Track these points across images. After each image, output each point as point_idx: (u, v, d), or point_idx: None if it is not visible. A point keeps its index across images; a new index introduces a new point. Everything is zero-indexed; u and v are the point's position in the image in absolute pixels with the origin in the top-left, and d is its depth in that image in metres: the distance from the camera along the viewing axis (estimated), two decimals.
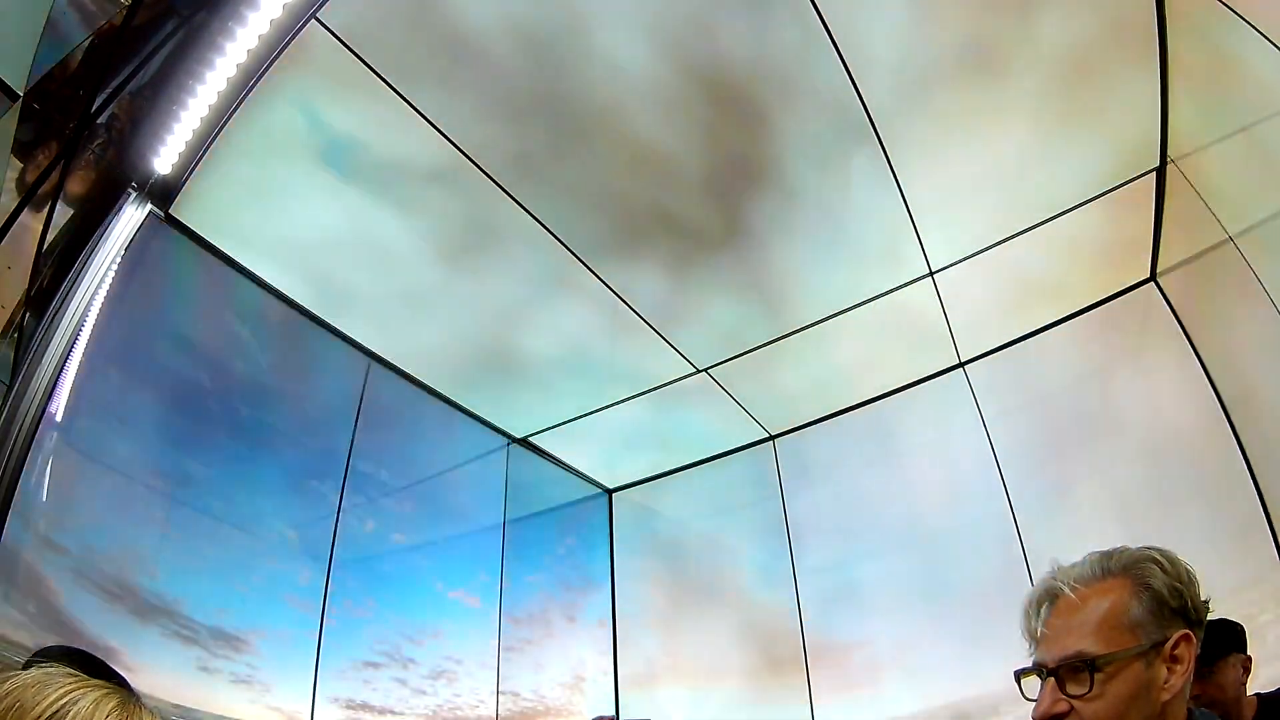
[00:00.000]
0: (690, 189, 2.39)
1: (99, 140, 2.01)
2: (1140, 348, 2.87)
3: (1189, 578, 0.77)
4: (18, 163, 1.72)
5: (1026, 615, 0.82)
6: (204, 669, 2.24)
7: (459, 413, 3.35)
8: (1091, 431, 2.88)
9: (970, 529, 3.06)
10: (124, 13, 1.70)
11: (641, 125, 2.18)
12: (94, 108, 1.86)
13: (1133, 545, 0.81)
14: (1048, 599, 0.80)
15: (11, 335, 1.94)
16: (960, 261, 2.72)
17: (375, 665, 2.81)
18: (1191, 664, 0.74)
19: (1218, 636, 1.56)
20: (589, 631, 3.77)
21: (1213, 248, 2.26)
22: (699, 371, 3.21)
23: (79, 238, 2.12)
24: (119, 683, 0.61)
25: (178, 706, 2.13)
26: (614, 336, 2.97)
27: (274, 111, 2.08)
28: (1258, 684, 1.69)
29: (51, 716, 0.52)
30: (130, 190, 2.14)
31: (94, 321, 2.09)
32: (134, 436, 2.33)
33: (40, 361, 1.87)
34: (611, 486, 4.09)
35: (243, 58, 1.92)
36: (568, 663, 3.66)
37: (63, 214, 2.03)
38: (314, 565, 2.70)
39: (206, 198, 2.29)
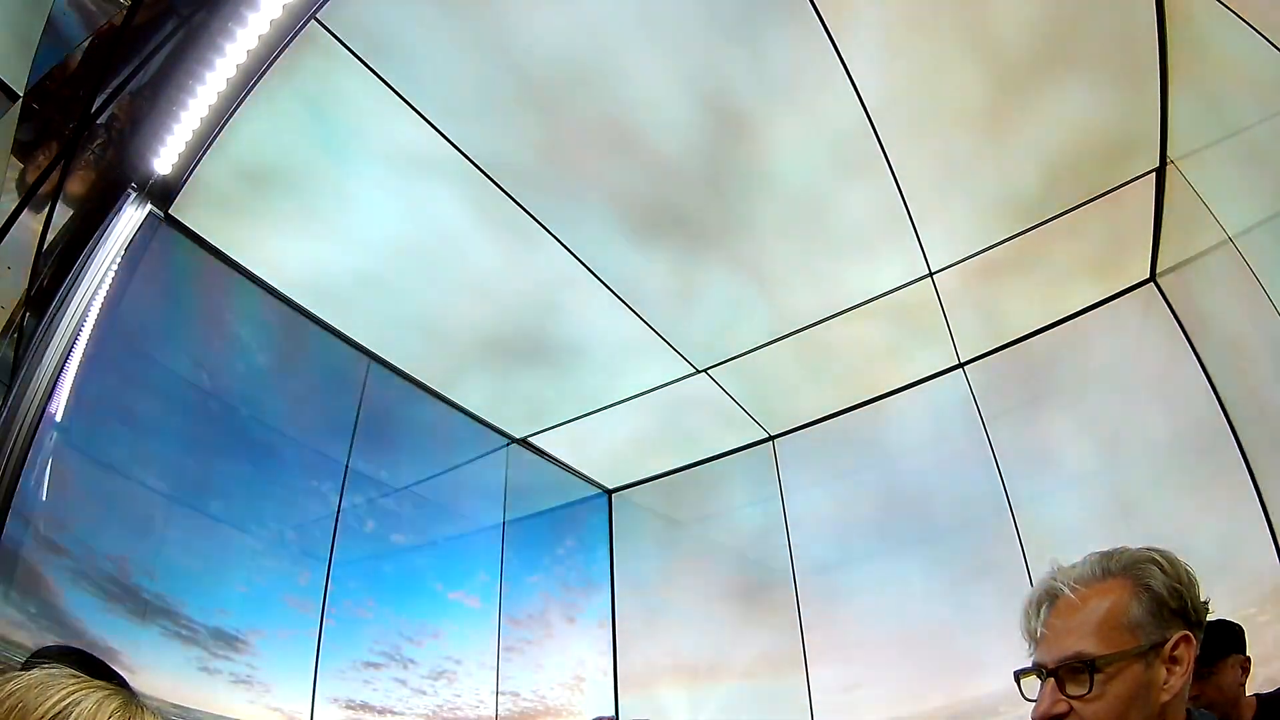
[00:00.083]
0: (692, 190, 2.39)
1: (99, 140, 2.01)
2: (1140, 348, 2.87)
3: (1189, 578, 0.77)
4: (18, 163, 1.72)
5: (1026, 616, 0.82)
6: (204, 669, 2.24)
7: (459, 413, 3.35)
8: (1091, 432, 2.88)
9: (970, 529, 3.07)
10: (124, 13, 1.70)
11: (644, 127, 2.18)
12: (94, 108, 1.85)
13: (1132, 546, 0.81)
14: (1047, 599, 0.80)
15: (11, 335, 1.94)
16: (960, 261, 2.73)
17: (375, 665, 2.81)
18: (1191, 665, 0.74)
19: (1217, 637, 1.56)
20: (589, 632, 3.77)
21: (1213, 248, 2.26)
22: (699, 372, 3.21)
23: (79, 238, 2.12)
24: (119, 683, 0.62)
25: (178, 707, 2.13)
26: (614, 336, 2.97)
27: (274, 111, 2.08)
28: (1256, 684, 1.69)
29: (54, 717, 0.52)
30: (130, 190, 2.14)
31: (94, 321, 2.09)
32: (133, 436, 2.34)
33: (40, 361, 1.87)
34: (611, 487, 4.09)
35: (243, 58, 1.92)
36: (568, 663, 3.66)
37: (63, 214, 2.03)
38: (314, 565, 2.71)
39: (206, 198, 2.29)
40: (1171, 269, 2.72)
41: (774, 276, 2.75)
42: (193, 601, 2.29)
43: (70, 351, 1.95)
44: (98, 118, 1.90)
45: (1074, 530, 2.76)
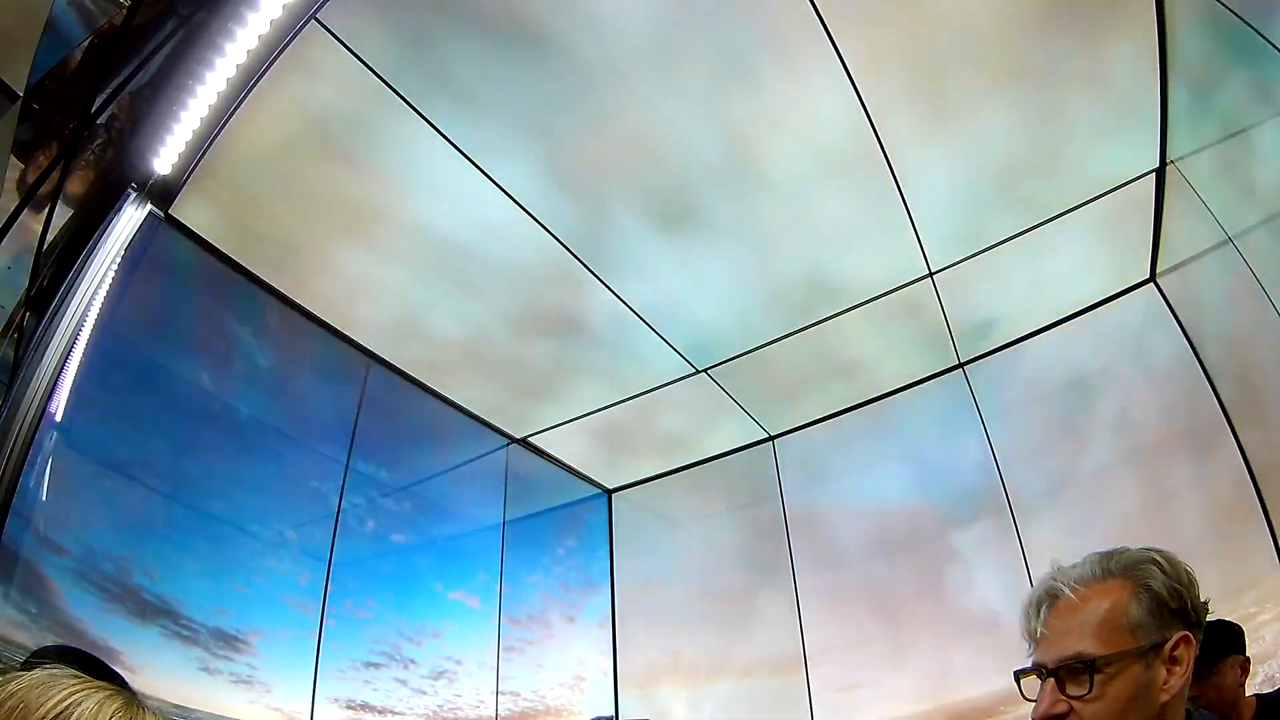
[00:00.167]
0: (694, 192, 2.39)
1: (99, 140, 2.01)
2: (1140, 348, 2.87)
3: (1188, 579, 0.77)
4: (18, 163, 1.72)
5: (1026, 616, 0.82)
6: (204, 669, 2.25)
7: (459, 413, 3.35)
8: (1091, 432, 2.88)
9: (969, 529, 3.07)
10: (124, 13, 1.70)
11: (644, 122, 2.18)
12: (94, 108, 1.85)
13: (1133, 546, 0.81)
14: (1048, 599, 0.80)
15: (11, 335, 1.94)
16: (960, 261, 2.73)
17: (375, 665, 2.81)
18: (1191, 665, 0.74)
19: (1217, 638, 1.56)
20: (589, 631, 3.77)
21: (1213, 248, 2.26)
22: (699, 371, 3.21)
23: (79, 238, 2.12)
24: (120, 683, 0.62)
25: (178, 707, 2.14)
26: (614, 336, 2.97)
27: (274, 111, 2.08)
28: (1256, 683, 1.69)
29: (55, 718, 0.52)
30: (130, 190, 2.14)
31: (94, 321, 2.09)
32: (133, 436, 2.34)
33: (40, 361, 1.87)
34: (611, 486, 4.09)
35: (243, 58, 1.92)
36: (568, 663, 3.66)
37: (63, 214, 2.03)
38: (314, 565, 2.71)
39: (206, 198, 2.29)
40: (1171, 269, 2.72)
41: (774, 276, 2.75)
42: (193, 601, 2.29)
43: (70, 351, 1.95)
44: (98, 118, 1.90)
45: (1073, 530, 2.76)
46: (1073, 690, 0.74)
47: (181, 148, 2.11)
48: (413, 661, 2.96)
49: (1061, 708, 0.74)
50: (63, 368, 1.92)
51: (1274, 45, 1.51)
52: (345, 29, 1.92)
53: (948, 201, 2.49)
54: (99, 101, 1.85)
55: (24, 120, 1.59)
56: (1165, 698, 0.73)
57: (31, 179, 1.78)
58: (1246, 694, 1.61)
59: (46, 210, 1.90)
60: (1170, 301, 2.75)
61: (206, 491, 2.50)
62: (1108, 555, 0.80)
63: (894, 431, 3.42)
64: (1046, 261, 2.77)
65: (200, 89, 1.96)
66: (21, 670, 0.56)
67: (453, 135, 2.19)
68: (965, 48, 2.03)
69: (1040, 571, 0.85)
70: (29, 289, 1.95)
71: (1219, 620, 1.64)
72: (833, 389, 3.43)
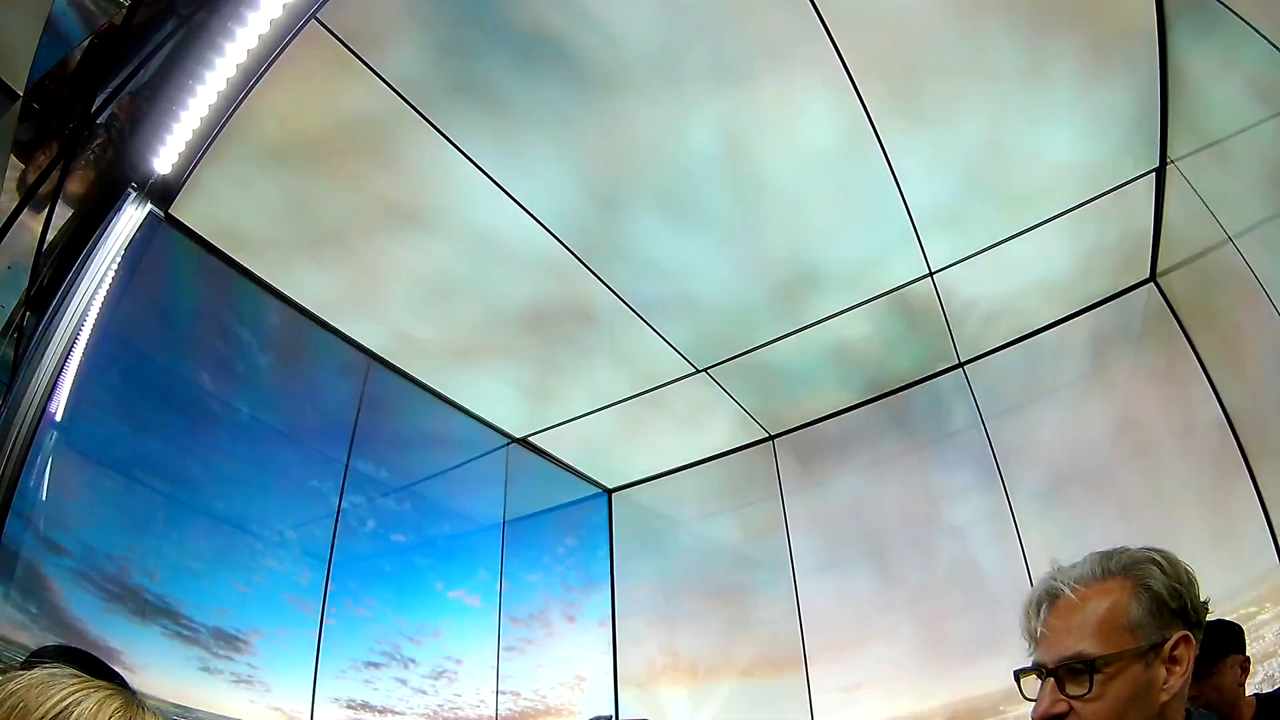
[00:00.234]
0: (695, 191, 2.39)
1: (99, 140, 2.01)
2: (1140, 348, 2.87)
3: (1188, 579, 0.77)
4: (18, 163, 1.72)
5: (1026, 615, 0.82)
6: (205, 669, 2.25)
7: (459, 413, 3.35)
8: (1091, 431, 2.88)
9: (969, 528, 3.07)
10: (124, 13, 1.70)
11: (645, 125, 2.18)
12: (94, 108, 1.85)
13: (1132, 546, 0.81)
14: (1047, 599, 0.80)
15: (11, 335, 1.94)
16: (960, 261, 2.73)
17: (375, 665, 2.81)
18: (1190, 665, 0.74)
19: (1216, 637, 1.56)
20: (589, 631, 3.77)
21: (1213, 248, 2.26)
22: (699, 371, 3.21)
23: (79, 237, 2.12)
24: (119, 683, 0.62)
25: (179, 707, 2.14)
26: (614, 336, 2.97)
27: (274, 111, 2.08)
28: (1256, 682, 1.69)
29: (55, 717, 0.52)
30: (130, 190, 2.14)
31: (94, 321, 2.09)
32: (134, 436, 2.34)
33: (40, 361, 1.87)
34: (611, 486, 4.09)
35: (243, 58, 1.92)
36: (568, 663, 3.66)
37: (63, 214, 2.03)
38: (314, 565, 2.71)
39: (206, 198, 2.29)
40: (1171, 269, 2.72)
41: (774, 276, 2.75)
42: (193, 601, 2.29)
43: (70, 351, 1.95)
44: (98, 117, 1.90)
45: (1073, 529, 2.76)
46: (1072, 690, 0.74)
47: (181, 148, 2.11)
48: (413, 661, 2.96)
49: (1061, 707, 0.74)
50: (63, 367, 1.92)
51: (1274, 45, 1.51)
52: (346, 28, 1.92)
53: (948, 201, 2.49)
54: (99, 101, 1.85)
55: (24, 120, 1.59)
56: (1165, 697, 0.73)
57: (31, 179, 1.78)
58: (1246, 693, 1.61)
59: (46, 210, 1.90)
60: (1170, 301, 2.75)
61: (206, 491, 2.50)
62: (1108, 555, 0.80)
63: (894, 431, 3.42)
64: (1046, 261, 2.77)
65: (200, 89, 1.96)
66: (21, 670, 0.56)
67: (453, 135, 2.19)
68: (965, 48, 2.02)
69: (1040, 569, 0.85)
70: (29, 289, 1.95)
71: (1219, 620, 1.64)
72: (833, 388, 3.43)
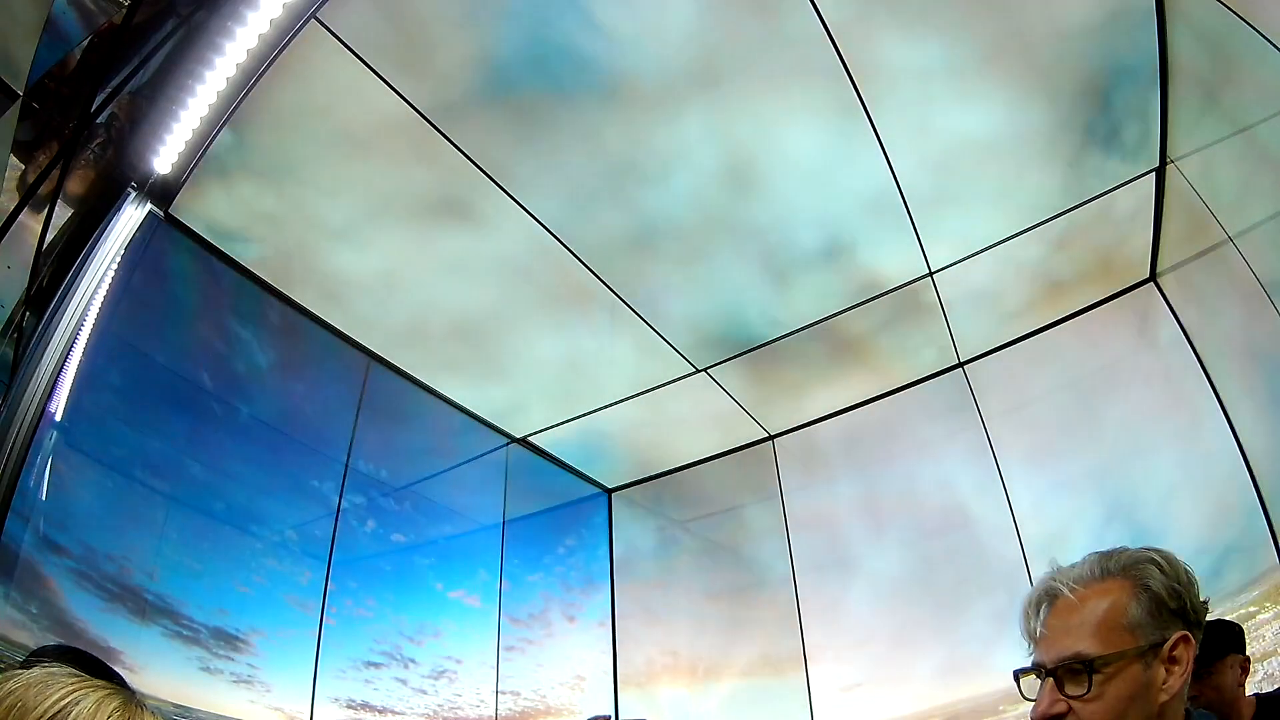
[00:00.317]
0: (694, 194, 2.39)
1: (99, 139, 2.01)
2: (1140, 348, 2.87)
3: (1188, 579, 0.77)
4: (18, 163, 1.72)
5: (1026, 615, 0.81)
6: (205, 669, 2.25)
7: (459, 413, 3.35)
8: (1091, 431, 2.88)
9: (970, 528, 3.07)
10: (124, 12, 1.70)
11: (647, 128, 2.18)
12: (94, 107, 1.85)
13: (1132, 546, 0.81)
14: (1047, 599, 0.80)
15: (11, 335, 1.94)
16: (960, 261, 2.72)
17: (375, 665, 2.81)
18: (1190, 665, 0.74)
19: (1216, 637, 1.56)
20: (589, 631, 3.77)
21: (1213, 248, 2.26)
22: (699, 371, 3.21)
23: (79, 237, 2.12)
24: (118, 683, 0.62)
25: (179, 706, 2.14)
26: (614, 336, 2.97)
27: (274, 111, 2.08)
28: (1256, 681, 1.69)
29: (54, 716, 0.52)
30: (130, 190, 2.14)
31: (93, 321, 2.09)
32: (134, 436, 2.34)
33: (40, 361, 1.87)
34: (611, 486, 4.09)
35: (243, 58, 1.92)
36: (568, 662, 3.66)
37: (63, 213, 2.03)
38: (314, 565, 2.71)
39: (206, 198, 2.29)
40: (1171, 269, 2.72)
41: (774, 276, 2.75)
42: (193, 601, 2.29)
43: (70, 351, 1.95)
44: (98, 117, 1.90)
45: (1073, 530, 2.76)
46: (1071, 690, 0.74)
47: (181, 147, 2.11)
48: (413, 661, 2.96)
49: (1060, 707, 0.74)
50: (62, 367, 1.92)
51: (1274, 45, 1.51)
52: (346, 29, 1.92)
53: (947, 200, 2.49)
54: (99, 101, 1.85)
55: (24, 120, 1.59)
56: (1164, 697, 0.72)
57: (31, 179, 1.78)
58: (1246, 693, 1.61)
59: (46, 210, 1.90)
60: (1170, 301, 2.75)
61: (206, 491, 2.50)
62: (1107, 555, 0.80)
63: (894, 431, 3.42)
64: (1046, 261, 2.77)
65: (200, 89, 1.96)
66: (20, 669, 0.56)
67: (453, 135, 2.19)
68: (964, 48, 2.02)
69: (1039, 571, 0.85)
70: (29, 288, 1.95)
71: (1218, 619, 1.64)
72: (832, 388, 3.43)
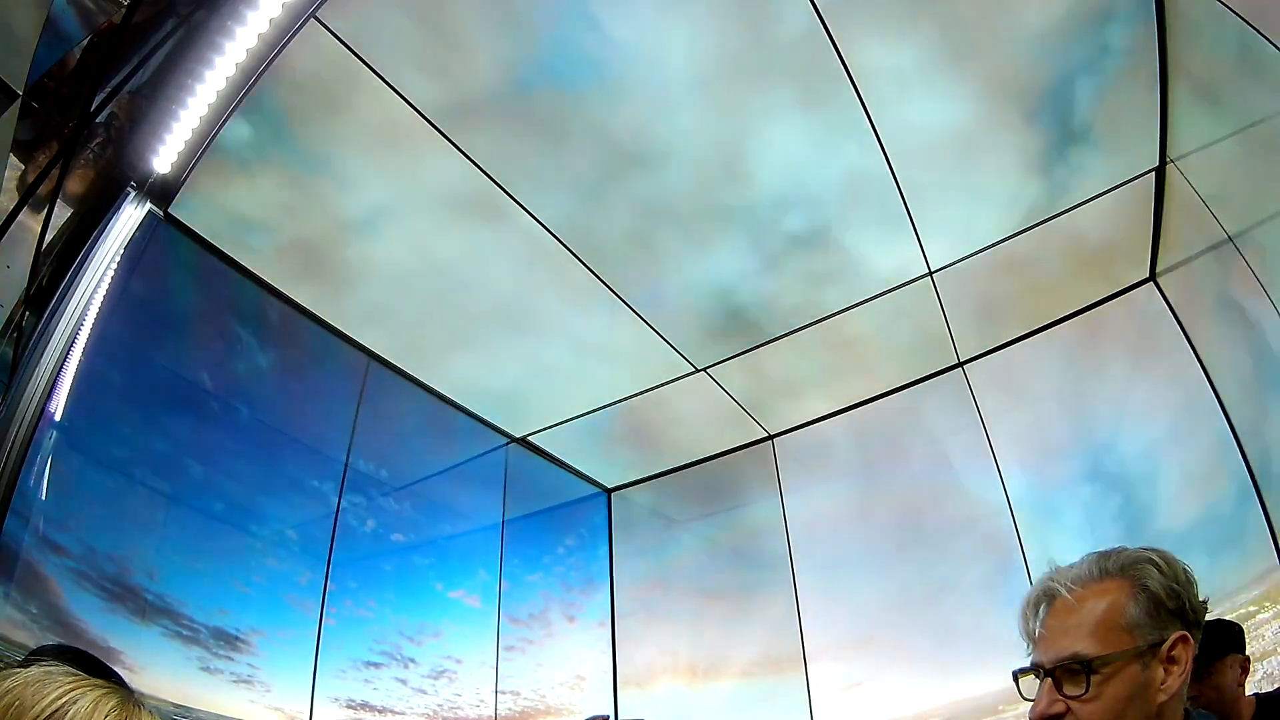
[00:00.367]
0: (694, 195, 2.39)
1: (98, 139, 2.01)
2: (1140, 348, 2.87)
3: (1186, 578, 0.77)
4: (18, 162, 1.72)
5: (1024, 616, 0.81)
6: (205, 669, 2.25)
7: (459, 413, 3.35)
8: (1091, 431, 2.88)
9: (970, 529, 3.06)
10: (124, 12, 1.70)
11: (647, 130, 2.18)
12: (94, 106, 1.85)
13: (1131, 546, 0.81)
14: (1045, 600, 0.80)
15: (11, 335, 1.94)
16: (960, 261, 2.72)
17: (375, 665, 2.81)
18: (1189, 665, 0.73)
19: (1216, 637, 1.56)
20: (589, 631, 3.77)
21: (1212, 248, 2.26)
22: (698, 371, 3.21)
23: (78, 237, 2.12)
24: (117, 682, 0.62)
25: (179, 706, 2.14)
26: (614, 336, 2.97)
27: (273, 111, 2.08)
28: (1255, 681, 1.69)
29: (51, 715, 0.52)
30: (130, 189, 2.14)
31: (93, 321, 2.09)
32: (134, 436, 2.34)
33: (39, 361, 1.87)
34: (611, 486, 4.09)
35: (242, 57, 1.92)
36: (567, 662, 3.66)
37: (62, 213, 2.03)
38: (314, 565, 2.71)
39: (206, 198, 2.29)
40: (1171, 269, 2.72)
41: (774, 276, 2.75)
42: (193, 601, 2.29)
43: (69, 351, 1.95)
44: (97, 116, 1.90)
45: (1073, 530, 2.76)
46: (1070, 690, 0.74)
47: (181, 147, 2.11)
48: (413, 661, 2.96)
49: (1059, 708, 0.74)
50: (62, 367, 1.92)
51: (1274, 45, 1.51)
52: (346, 29, 1.92)
53: (947, 200, 2.48)
54: (98, 100, 1.85)
55: (24, 119, 1.59)
56: (1163, 698, 0.72)
57: (31, 178, 1.78)
58: (1246, 693, 1.61)
59: (46, 209, 1.90)
60: (1170, 301, 2.74)
61: (206, 491, 2.50)
62: (1105, 555, 0.80)
63: (893, 431, 3.42)
64: (1046, 261, 2.77)
65: (200, 88, 1.96)
66: (18, 668, 0.56)
67: (453, 135, 2.19)
68: (964, 49, 2.02)
69: (1038, 571, 0.85)
70: (29, 288, 1.95)
71: (1218, 619, 1.63)
72: (832, 388, 3.43)
